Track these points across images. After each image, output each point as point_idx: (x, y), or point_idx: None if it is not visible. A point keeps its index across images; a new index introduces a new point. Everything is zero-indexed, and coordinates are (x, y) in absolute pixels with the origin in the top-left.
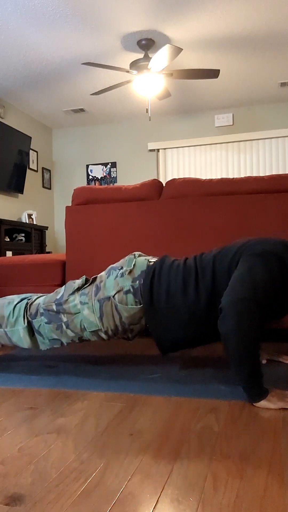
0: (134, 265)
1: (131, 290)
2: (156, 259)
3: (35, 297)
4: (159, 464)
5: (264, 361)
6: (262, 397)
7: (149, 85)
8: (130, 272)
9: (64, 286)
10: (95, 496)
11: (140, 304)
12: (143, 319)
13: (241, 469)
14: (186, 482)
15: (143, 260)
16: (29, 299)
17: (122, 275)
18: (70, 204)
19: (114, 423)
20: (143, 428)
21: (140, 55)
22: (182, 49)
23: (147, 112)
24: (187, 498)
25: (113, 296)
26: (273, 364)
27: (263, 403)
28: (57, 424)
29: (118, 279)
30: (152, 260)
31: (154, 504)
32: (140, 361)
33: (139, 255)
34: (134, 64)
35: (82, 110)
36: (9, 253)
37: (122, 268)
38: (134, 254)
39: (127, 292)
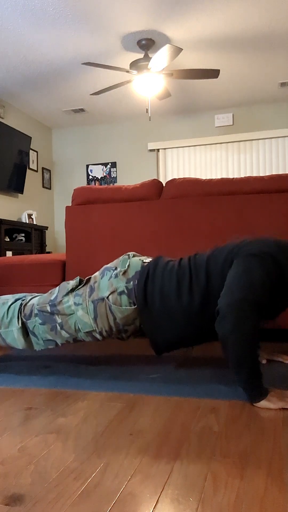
0: (128, 265)
1: (125, 291)
2: (151, 259)
3: (29, 297)
4: (159, 464)
5: (264, 361)
6: (262, 397)
7: (149, 85)
8: (124, 272)
9: (58, 287)
10: (95, 496)
11: (134, 305)
12: (137, 320)
13: (241, 469)
14: (186, 482)
15: (137, 261)
16: (23, 300)
17: (116, 276)
18: (70, 204)
19: (114, 423)
20: (143, 428)
21: (140, 55)
22: (182, 49)
23: (147, 112)
24: (187, 498)
25: (107, 297)
26: (273, 364)
27: (263, 403)
28: (57, 424)
29: (112, 280)
30: (146, 261)
31: (154, 504)
32: (139, 361)
33: (134, 255)
34: (134, 64)
35: (82, 110)
36: (9, 253)
37: (116, 268)
38: (128, 255)
39: (121, 293)
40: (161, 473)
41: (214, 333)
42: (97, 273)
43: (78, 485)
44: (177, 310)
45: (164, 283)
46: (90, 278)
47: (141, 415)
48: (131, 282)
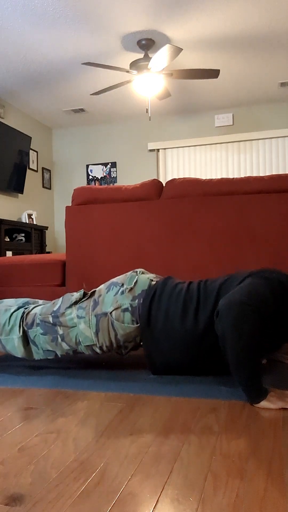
0: (135, 283)
1: (129, 308)
2: (159, 279)
3: (32, 306)
4: (159, 464)
5: (264, 361)
6: (262, 397)
7: (149, 85)
8: (131, 290)
9: (61, 297)
10: (95, 496)
11: (137, 324)
12: (138, 338)
13: (241, 469)
14: (186, 482)
15: (145, 279)
16: (26, 308)
17: (122, 292)
18: (70, 204)
19: (114, 423)
20: (143, 428)
21: (140, 55)
22: (182, 49)
23: (147, 112)
24: (187, 498)
25: (111, 313)
26: (273, 364)
27: (263, 403)
28: (57, 424)
29: (118, 296)
30: (154, 280)
31: (154, 504)
32: (140, 361)
33: (142, 273)
34: (134, 64)
35: (82, 110)
36: (9, 253)
37: (123, 285)
38: (137, 271)
39: (125, 310)
40: (161, 473)
41: (213, 364)
42: (102, 287)
43: (78, 485)
44: (179, 334)
45: (170, 305)
46: (95, 291)
47: (141, 415)
48: (136, 300)
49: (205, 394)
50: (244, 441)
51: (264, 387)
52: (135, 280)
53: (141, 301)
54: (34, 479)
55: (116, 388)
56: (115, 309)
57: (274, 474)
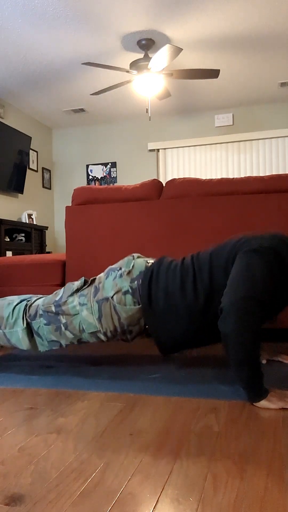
0: (132, 266)
1: (130, 290)
2: (155, 260)
3: (35, 298)
4: (159, 464)
5: (264, 361)
6: (262, 397)
7: (149, 85)
8: (129, 273)
9: (63, 287)
10: (95, 496)
11: (139, 305)
12: (141, 320)
13: (241, 469)
14: (186, 482)
15: (141, 261)
16: (29, 301)
17: (120, 276)
18: (70, 204)
19: (114, 423)
20: (143, 428)
21: (140, 55)
22: (182, 49)
23: (147, 112)
24: (187, 498)
25: (112, 297)
26: (273, 364)
27: (263, 403)
28: (57, 424)
29: (117, 280)
30: (150, 261)
31: (154, 504)
32: (140, 361)
33: (138, 257)
34: (134, 64)
35: (82, 110)
36: (9, 253)
37: (120, 269)
38: (133, 256)
39: (126, 292)
40: (161, 473)
41: (219, 332)
42: (101, 274)
43: (78, 485)
44: (182, 308)
45: (168, 282)
46: (95, 278)
47: (141, 415)
48: (136, 282)
49: (205, 394)
50: (244, 441)
51: (265, 387)
52: (132, 263)
53: (140, 282)
54: (34, 479)
55: (116, 388)
56: (116, 292)
57: (274, 474)
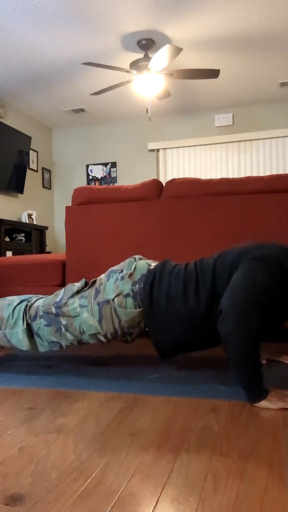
0: (134, 268)
1: (131, 293)
2: (157, 263)
3: (35, 299)
4: (159, 464)
5: (264, 361)
6: (262, 397)
7: (149, 85)
8: (130, 275)
9: (63, 288)
10: (95, 496)
11: (140, 308)
12: (142, 323)
13: (241, 469)
14: (186, 482)
15: (143, 264)
16: (29, 301)
17: (122, 278)
18: (70, 204)
19: (114, 423)
20: (143, 428)
21: (140, 55)
22: (182, 49)
23: (147, 112)
24: (187, 498)
25: (113, 300)
26: (273, 364)
27: (263, 403)
28: (57, 424)
29: (118, 282)
30: (152, 264)
31: (154, 504)
32: (140, 361)
33: (140, 259)
34: (134, 64)
35: (82, 110)
36: (9, 253)
37: (122, 271)
38: (135, 257)
39: (127, 295)
40: (161, 473)
41: (219, 337)
42: (102, 276)
43: (78, 485)
44: (183, 313)
45: (171, 286)
46: (95, 280)
47: (141, 415)
48: (137, 285)
49: (205, 394)
50: (244, 441)
51: (264, 387)
52: (134, 266)
53: (142, 286)
54: (34, 479)
55: (116, 388)
56: (117, 295)
57: (274, 474)
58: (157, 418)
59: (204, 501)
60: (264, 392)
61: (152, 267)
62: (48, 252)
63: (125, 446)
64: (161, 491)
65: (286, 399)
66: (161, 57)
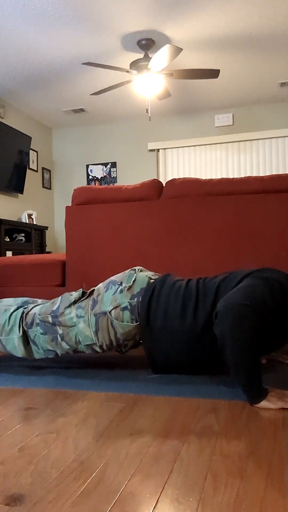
0: (134, 281)
1: (128, 307)
2: (158, 276)
3: (32, 306)
4: (159, 464)
5: (264, 361)
6: (262, 398)
7: (149, 85)
8: (129, 288)
9: (60, 297)
10: (95, 496)
11: (136, 322)
12: (137, 336)
13: (241, 469)
14: (186, 482)
15: (143, 277)
16: (25, 308)
17: (121, 291)
18: (70, 204)
19: (114, 423)
20: (143, 428)
21: (140, 55)
22: (182, 49)
23: (147, 112)
24: (187, 498)
25: (110, 312)
26: (273, 364)
27: (263, 403)
28: (57, 424)
29: (117, 295)
30: (153, 278)
31: (154, 504)
32: (140, 361)
33: (140, 271)
34: (134, 64)
35: (82, 110)
36: (9, 253)
37: (121, 283)
38: (135, 269)
39: (124, 308)
40: (161, 473)
41: (212, 362)
42: (101, 285)
43: (78, 485)
44: (179, 331)
45: (169, 303)
46: (93, 290)
47: (141, 415)
48: (135, 299)
49: (205, 394)
50: (244, 441)
51: (264, 387)
52: (133, 278)
53: (140, 300)
54: (34, 479)
55: (116, 388)
56: (114, 308)
57: (274, 474)
58: (157, 418)
59: (204, 501)
60: (263, 392)
61: (152, 280)
62: (48, 252)
63: (125, 446)
64: (161, 491)
65: (285, 399)
66: (161, 57)
